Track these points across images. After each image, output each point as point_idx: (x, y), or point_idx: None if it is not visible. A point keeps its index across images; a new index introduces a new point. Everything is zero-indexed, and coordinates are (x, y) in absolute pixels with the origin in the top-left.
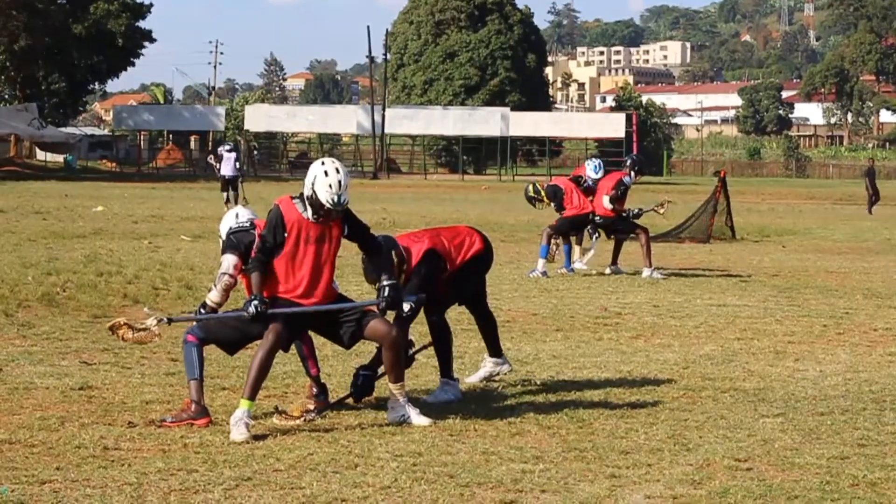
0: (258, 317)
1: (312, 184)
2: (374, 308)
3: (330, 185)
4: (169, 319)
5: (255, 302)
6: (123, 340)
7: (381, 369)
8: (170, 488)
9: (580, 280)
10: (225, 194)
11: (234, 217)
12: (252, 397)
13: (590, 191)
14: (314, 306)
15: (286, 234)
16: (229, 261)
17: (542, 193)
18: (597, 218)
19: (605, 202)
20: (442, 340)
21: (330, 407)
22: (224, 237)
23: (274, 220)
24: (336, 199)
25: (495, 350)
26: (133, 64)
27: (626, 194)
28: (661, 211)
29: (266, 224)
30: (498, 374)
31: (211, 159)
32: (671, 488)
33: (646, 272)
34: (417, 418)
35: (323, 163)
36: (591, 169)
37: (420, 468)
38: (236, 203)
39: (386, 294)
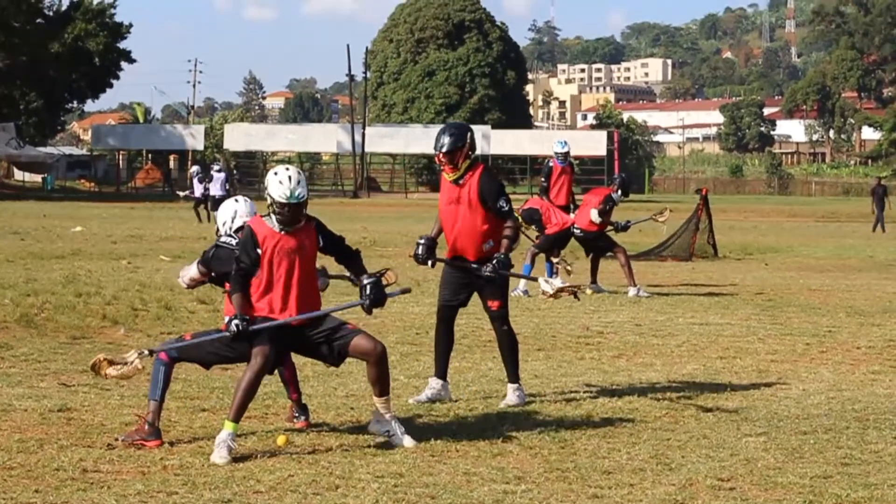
0: (240, 335)
1: (267, 191)
2: (361, 308)
3: (280, 182)
4: (150, 351)
5: (236, 321)
6: (106, 378)
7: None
8: None
9: (561, 299)
10: (197, 212)
11: (233, 214)
12: (237, 419)
13: (554, 172)
14: (296, 316)
15: (259, 250)
16: (191, 272)
17: (520, 220)
18: (577, 230)
19: (594, 216)
20: (515, 348)
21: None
22: (217, 235)
23: (245, 239)
24: (288, 193)
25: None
26: (111, 85)
27: (612, 211)
28: (662, 220)
29: (240, 245)
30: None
31: (179, 193)
32: None
33: (631, 291)
34: (403, 438)
35: (273, 170)
36: (558, 145)
37: (401, 489)
38: (209, 220)
39: (368, 292)
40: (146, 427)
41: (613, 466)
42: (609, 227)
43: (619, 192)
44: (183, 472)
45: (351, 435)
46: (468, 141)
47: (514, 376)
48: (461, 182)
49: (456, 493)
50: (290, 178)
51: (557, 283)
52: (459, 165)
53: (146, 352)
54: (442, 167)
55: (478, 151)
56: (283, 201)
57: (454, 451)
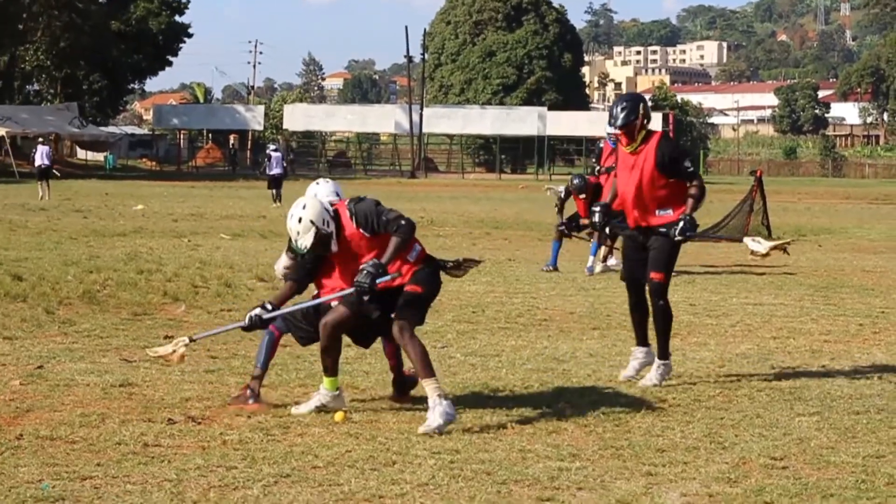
0: (252, 326)
1: None
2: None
3: (289, 229)
4: (190, 339)
5: (257, 311)
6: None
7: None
8: (209, 485)
9: (617, 279)
10: (271, 192)
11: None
12: (327, 374)
13: (604, 153)
14: (314, 300)
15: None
16: (282, 262)
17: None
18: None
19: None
20: (668, 324)
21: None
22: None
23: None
24: (295, 244)
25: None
26: (171, 63)
27: None
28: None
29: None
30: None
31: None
32: (707, 486)
33: (610, 261)
34: (433, 418)
35: (293, 205)
36: (609, 126)
37: (457, 465)
38: (280, 201)
39: (355, 279)
40: (247, 392)
41: (667, 444)
42: None
43: None
44: (242, 446)
45: (408, 412)
46: (641, 112)
47: (663, 352)
48: (638, 150)
49: (511, 470)
50: (290, 229)
51: (765, 243)
52: (636, 136)
53: (186, 339)
54: (618, 139)
55: (535, 132)
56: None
57: (509, 429)
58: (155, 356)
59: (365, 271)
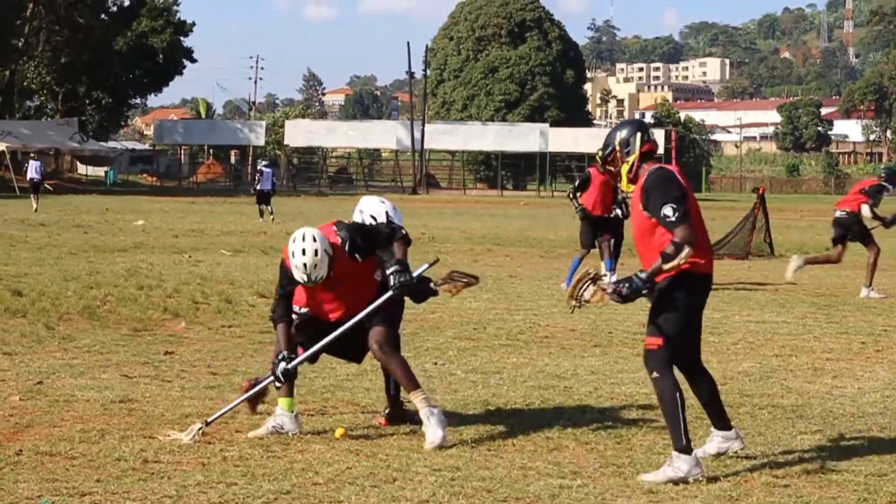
0: (285, 381)
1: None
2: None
3: (296, 267)
4: (205, 423)
5: (282, 365)
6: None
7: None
8: (209, 501)
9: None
10: (259, 208)
11: (361, 209)
12: (283, 395)
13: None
14: (337, 329)
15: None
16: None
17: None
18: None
19: (865, 210)
20: (665, 407)
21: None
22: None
23: (284, 273)
24: (306, 279)
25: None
26: (172, 77)
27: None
28: None
29: (280, 274)
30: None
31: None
32: None
33: (863, 292)
34: (433, 430)
35: (294, 240)
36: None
37: (458, 483)
38: (272, 216)
39: (392, 283)
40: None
41: None
42: (875, 223)
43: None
44: (242, 463)
45: (408, 428)
46: (617, 142)
47: (674, 441)
48: (631, 189)
49: (512, 487)
50: (304, 264)
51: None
52: (620, 172)
53: (202, 424)
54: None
55: (536, 148)
56: (303, 283)
57: (511, 446)
58: (170, 440)
59: (395, 270)
